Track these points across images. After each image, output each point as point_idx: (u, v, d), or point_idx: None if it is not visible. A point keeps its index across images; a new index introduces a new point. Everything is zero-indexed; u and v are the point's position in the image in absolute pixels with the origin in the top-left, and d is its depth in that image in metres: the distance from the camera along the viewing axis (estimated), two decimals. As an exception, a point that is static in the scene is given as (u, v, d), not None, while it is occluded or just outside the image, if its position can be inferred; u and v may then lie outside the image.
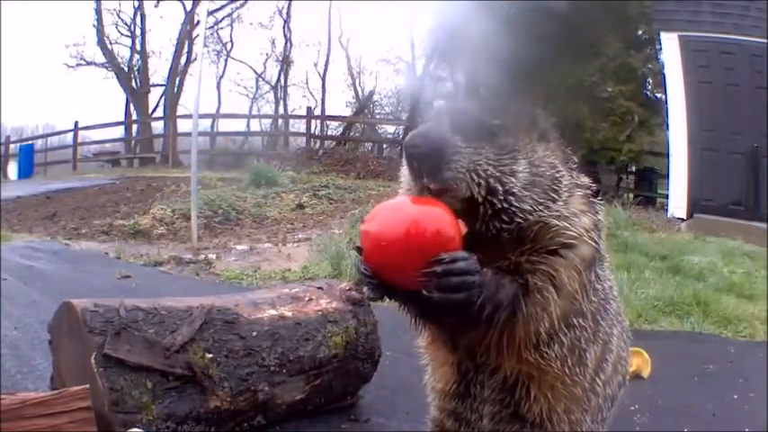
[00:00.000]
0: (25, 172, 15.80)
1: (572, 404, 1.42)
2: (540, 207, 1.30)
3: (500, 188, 1.26)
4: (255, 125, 21.25)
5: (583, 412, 1.44)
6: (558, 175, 1.34)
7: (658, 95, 11.14)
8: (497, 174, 1.26)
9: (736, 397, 2.73)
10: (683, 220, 8.58)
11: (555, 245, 1.31)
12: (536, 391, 1.39)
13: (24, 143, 18.14)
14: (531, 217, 1.29)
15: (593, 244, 1.35)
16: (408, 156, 1.26)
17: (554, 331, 1.33)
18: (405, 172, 1.36)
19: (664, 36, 9.21)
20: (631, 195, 10.10)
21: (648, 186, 11.46)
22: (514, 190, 1.27)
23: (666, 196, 9.59)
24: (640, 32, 11.33)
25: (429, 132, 1.26)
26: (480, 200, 1.26)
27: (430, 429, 1.61)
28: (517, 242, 1.31)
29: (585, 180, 1.42)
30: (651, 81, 11.38)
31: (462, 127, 1.27)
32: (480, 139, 1.28)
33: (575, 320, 1.36)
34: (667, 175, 9.33)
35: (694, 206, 8.67)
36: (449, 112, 1.33)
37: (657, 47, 10.42)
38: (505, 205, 1.27)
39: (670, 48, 9.04)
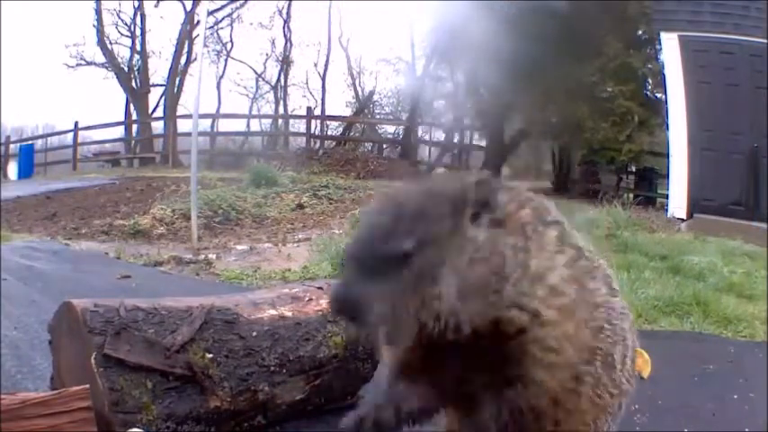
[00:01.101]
0: (25, 172, 15.79)
1: (600, 413, 1.37)
2: (485, 306, 1.16)
3: (428, 318, 1.14)
4: (255, 125, 21.21)
5: (608, 415, 1.40)
6: (508, 251, 1.17)
7: (658, 95, 11.15)
8: (418, 304, 1.13)
9: (736, 397, 2.73)
10: (683, 220, 8.59)
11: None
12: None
13: (24, 143, 18.12)
14: (476, 320, 1.16)
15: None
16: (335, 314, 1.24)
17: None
18: None
19: (664, 36, 9.22)
20: (631, 195, 10.10)
21: (648, 186, 11.47)
22: (443, 310, 1.13)
23: (666, 196, 9.60)
24: (640, 32, 11.35)
25: (340, 289, 1.17)
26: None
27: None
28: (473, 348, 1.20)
29: (553, 214, 1.28)
30: (651, 81, 11.40)
31: (371, 266, 1.13)
32: (393, 269, 1.13)
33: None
34: (667, 175, 9.34)
35: (694, 206, 8.67)
36: (355, 249, 1.20)
37: (657, 47, 10.44)
38: (441, 328, 1.14)
39: (670, 48, 9.05)
